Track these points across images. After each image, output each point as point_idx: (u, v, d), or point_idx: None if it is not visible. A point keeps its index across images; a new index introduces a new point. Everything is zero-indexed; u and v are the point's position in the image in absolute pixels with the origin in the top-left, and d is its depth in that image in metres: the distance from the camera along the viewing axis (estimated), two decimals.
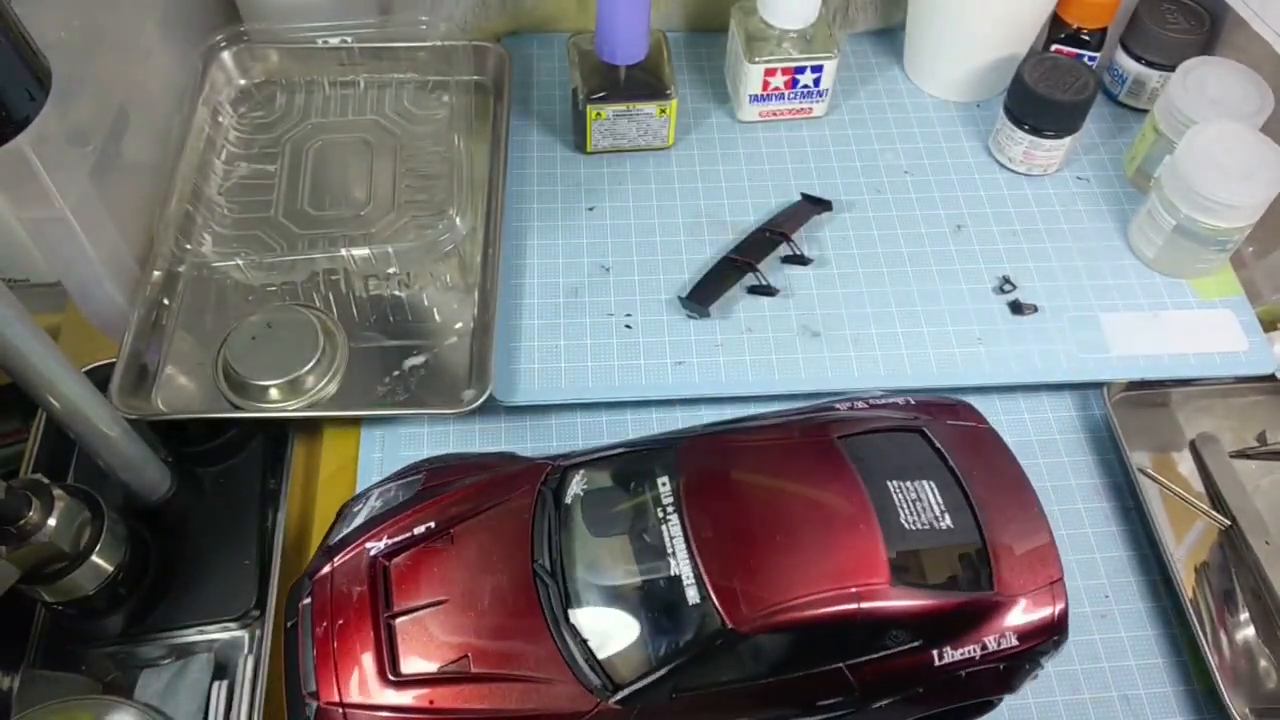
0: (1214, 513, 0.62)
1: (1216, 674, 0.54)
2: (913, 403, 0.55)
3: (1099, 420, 0.65)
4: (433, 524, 0.49)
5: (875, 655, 0.45)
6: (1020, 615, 0.47)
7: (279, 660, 0.51)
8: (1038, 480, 0.52)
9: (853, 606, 0.44)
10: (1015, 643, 0.46)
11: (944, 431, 0.52)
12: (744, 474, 0.49)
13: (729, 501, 0.47)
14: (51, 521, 0.49)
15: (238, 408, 0.61)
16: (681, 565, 0.45)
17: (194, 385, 0.63)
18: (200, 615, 0.57)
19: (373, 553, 0.49)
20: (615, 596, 0.46)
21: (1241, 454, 0.65)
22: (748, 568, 0.45)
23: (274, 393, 0.61)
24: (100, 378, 0.58)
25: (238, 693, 0.54)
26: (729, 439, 0.51)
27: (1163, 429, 0.66)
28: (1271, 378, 0.66)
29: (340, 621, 0.47)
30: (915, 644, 0.45)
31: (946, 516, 0.48)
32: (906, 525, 0.47)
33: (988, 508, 0.48)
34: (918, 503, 0.48)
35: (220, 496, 0.61)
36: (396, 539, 0.49)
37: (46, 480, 0.50)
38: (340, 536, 0.51)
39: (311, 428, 0.64)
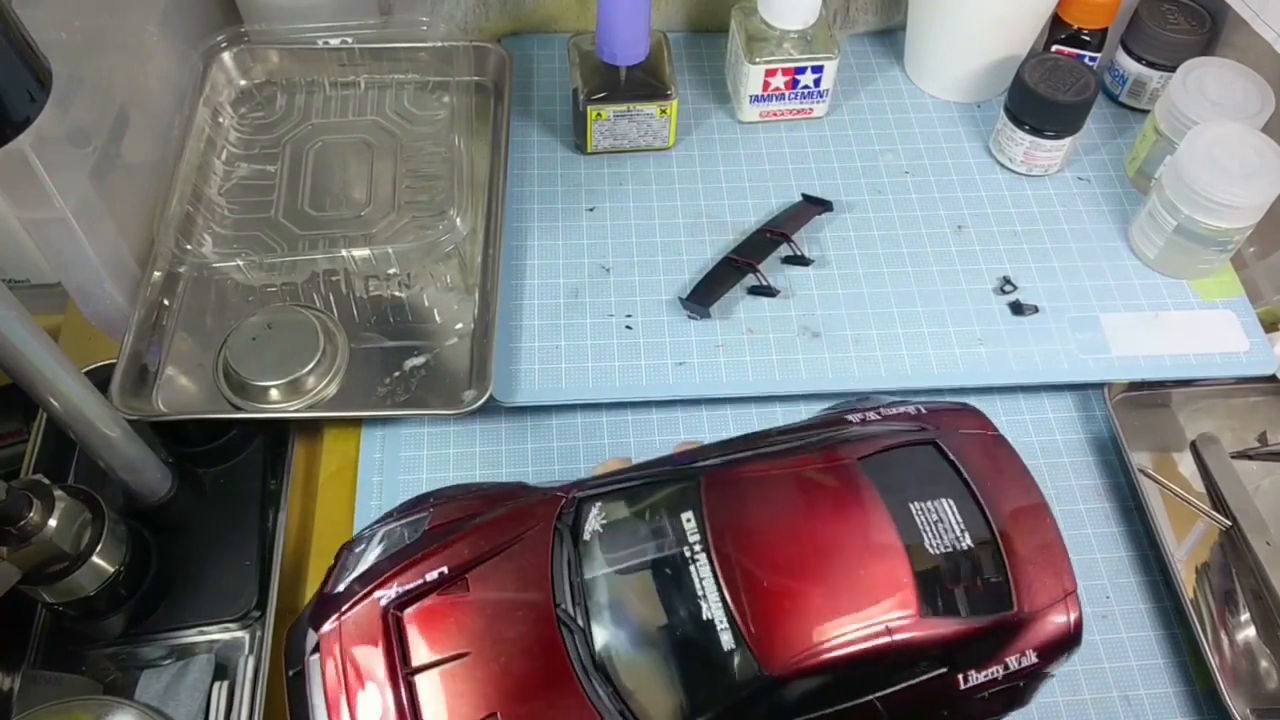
0: (1215, 513, 0.62)
1: (1217, 674, 0.54)
2: (923, 411, 0.54)
3: (1100, 421, 0.65)
4: (445, 569, 0.47)
5: (904, 684, 0.45)
6: (1039, 631, 0.46)
7: (279, 661, 0.51)
8: (1039, 481, 0.52)
9: (885, 641, 0.43)
10: (1035, 660, 0.46)
11: (956, 442, 0.51)
12: (769, 508, 0.47)
13: (756, 539, 0.46)
14: (52, 522, 0.49)
15: (238, 408, 0.61)
16: (714, 609, 0.44)
17: (194, 386, 0.63)
18: (201, 616, 0.57)
19: (383, 603, 0.46)
20: (644, 642, 0.44)
21: (1242, 455, 0.65)
22: (781, 610, 0.44)
23: (274, 393, 0.61)
24: (100, 378, 0.58)
25: (238, 693, 0.54)
26: (751, 469, 0.49)
27: (1164, 430, 0.66)
28: (1272, 378, 0.66)
29: (355, 682, 0.44)
30: (942, 670, 0.45)
31: (966, 536, 0.47)
32: (930, 549, 0.46)
33: (1003, 523, 0.48)
34: (939, 524, 0.47)
35: (221, 497, 0.61)
36: (407, 587, 0.46)
37: (47, 481, 0.50)
38: (345, 585, 0.48)
39: (312, 428, 0.64)
